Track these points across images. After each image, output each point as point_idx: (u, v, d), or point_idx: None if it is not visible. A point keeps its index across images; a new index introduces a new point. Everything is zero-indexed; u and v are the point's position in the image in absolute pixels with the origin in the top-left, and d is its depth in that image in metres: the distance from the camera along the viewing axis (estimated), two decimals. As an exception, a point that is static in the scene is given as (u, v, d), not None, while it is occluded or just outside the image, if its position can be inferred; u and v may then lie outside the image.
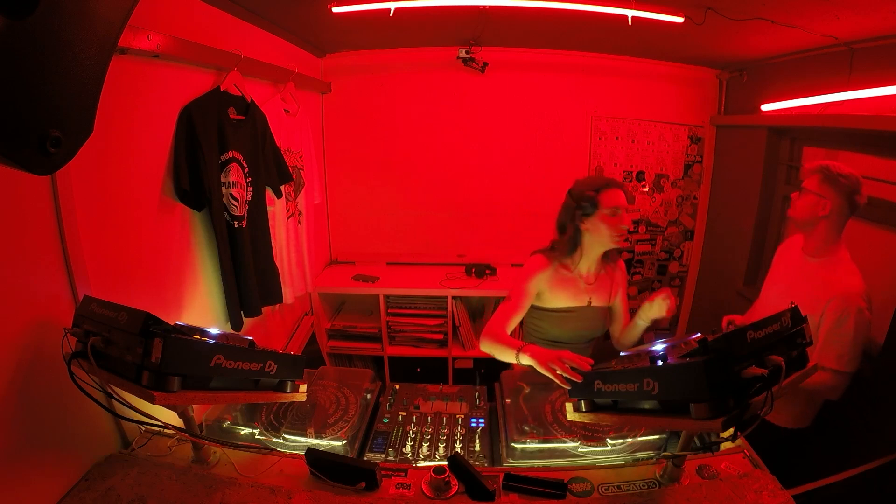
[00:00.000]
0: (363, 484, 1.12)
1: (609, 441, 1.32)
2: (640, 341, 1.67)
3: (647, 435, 1.33)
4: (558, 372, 1.19)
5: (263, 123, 1.90)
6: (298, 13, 2.08)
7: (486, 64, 2.82)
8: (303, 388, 1.27)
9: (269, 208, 2.00)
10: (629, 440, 1.33)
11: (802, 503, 1.16)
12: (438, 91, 2.97)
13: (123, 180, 1.31)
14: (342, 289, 2.97)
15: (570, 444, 1.32)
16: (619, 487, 1.14)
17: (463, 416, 1.50)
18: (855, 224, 2.09)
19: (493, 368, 1.72)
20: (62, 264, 1.10)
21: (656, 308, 1.53)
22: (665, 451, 1.24)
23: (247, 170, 1.78)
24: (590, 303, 1.65)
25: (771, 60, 2.54)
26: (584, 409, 1.14)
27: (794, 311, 0.99)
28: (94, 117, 0.71)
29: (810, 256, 1.59)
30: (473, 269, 2.99)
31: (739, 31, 2.04)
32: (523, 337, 1.75)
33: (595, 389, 1.09)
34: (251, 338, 1.17)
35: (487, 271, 2.99)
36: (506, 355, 1.41)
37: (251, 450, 1.26)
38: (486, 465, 1.32)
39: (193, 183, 1.53)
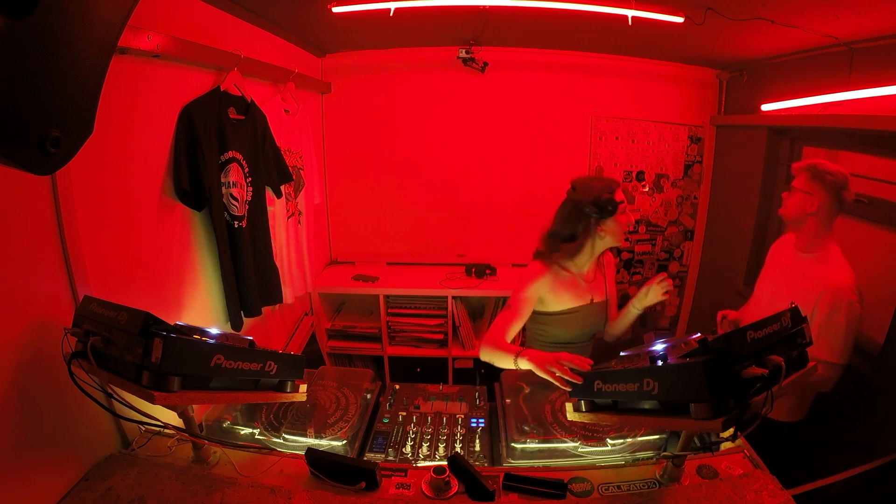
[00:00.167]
0: (363, 484, 1.12)
1: (609, 441, 1.32)
2: (632, 340, 1.68)
3: (647, 435, 1.33)
4: (557, 374, 1.19)
5: (263, 123, 1.90)
6: (298, 13, 2.08)
7: (486, 64, 2.82)
8: (303, 388, 1.27)
9: (269, 208, 2.00)
10: (629, 440, 1.33)
11: (802, 503, 1.16)
12: (438, 91, 2.97)
13: (123, 180, 1.31)
14: (342, 289, 2.97)
15: (570, 444, 1.32)
16: (619, 487, 1.14)
17: (463, 416, 1.50)
18: (855, 224, 2.11)
19: (493, 368, 1.71)
20: (62, 264, 1.10)
21: (651, 295, 1.57)
22: (665, 451, 1.24)
23: (247, 170, 1.78)
24: (591, 300, 1.66)
25: (771, 60, 2.54)
26: (584, 409, 1.14)
27: (794, 311, 0.99)
28: (94, 117, 0.71)
29: (802, 252, 1.64)
30: (473, 269, 2.99)
31: (739, 31, 2.04)
32: (527, 343, 1.74)
33: (595, 389, 1.09)
34: (251, 338, 1.16)
35: (487, 271, 2.99)
36: (504, 361, 1.40)
37: (251, 450, 1.26)
38: (486, 465, 1.32)
39: (193, 183, 1.53)
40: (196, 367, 0.99)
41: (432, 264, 3.17)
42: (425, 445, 1.38)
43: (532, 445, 1.32)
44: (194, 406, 1.18)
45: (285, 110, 2.21)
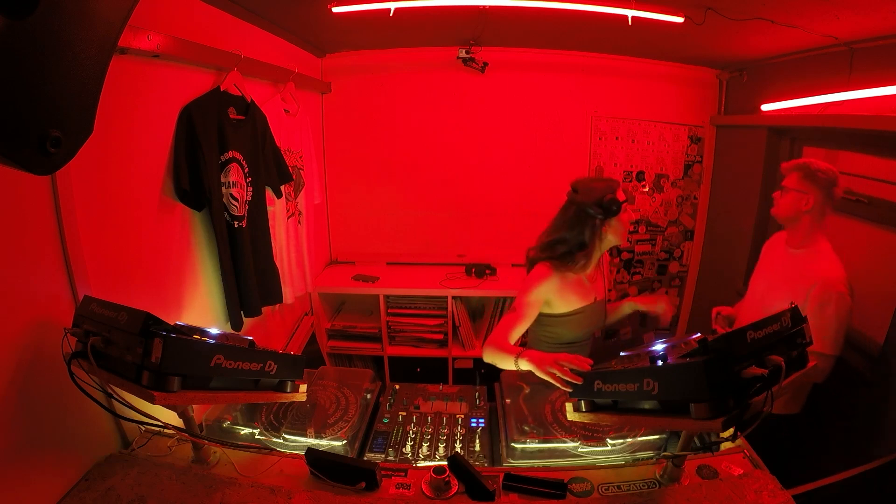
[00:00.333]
0: (363, 484, 1.12)
1: (609, 441, 1.32)
2: (632, 340, 1.69)
3: (647, 435, 1.33)
4: (558, 375, 1.19)
5: (263, 123, 1.90)
6: (298, 13, 2.08)
7: (486, 64, 2.82)
8: (303, 388, 1.27)
9: (269, 208, 2.00)
10: (629, 440, 1.33)
11: (802, 503, 1.16)
12: (438, 91, 2.97)
13: (123, 180, 1.31)
14: (342, 289, 2.97)
15: (570, 444, 1.32)
16: (619, 487, 1.14)
17: (463, 416, 1.50)
18: (855, 224, 2.11)
19: (493, 368, 1.71)
20: (62, 264, 1.10)
21: (658, 307, 1.66)
22: (665, 451, 1.24)
23: (247, 170, 1.78)
24: (595, 298, 1.66)
25: (771, 60, 2.54)
26: (584, 409, 1.14)
27: (794, 311, 0.99)
28: (94, 117, 0.71)
29: (794, 248, 1.69)
30: (473, 269, 2.99)
31: (739, 31, 2.04)
32: (531, 345, 1.74)
33: (595, 389, 1.09)
34: (251, 338, 1.17)
35: (487, 271, 2.99)
36: (505, 362, 1.40)
37: (251, 450, 1.26)
38: (486, 465, 1.32)
39: (193, 183, 1.53)
40: (196, 367, 0.99)
41: (432, 264, 3.17)
42: (425, 445, 1.38)
43: (532, 445, 1.32)
44: (194, 406, 1.18)
45: (285, 110, 2.21)
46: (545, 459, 1.29)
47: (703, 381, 0.84)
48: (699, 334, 0.96)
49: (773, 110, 2.52)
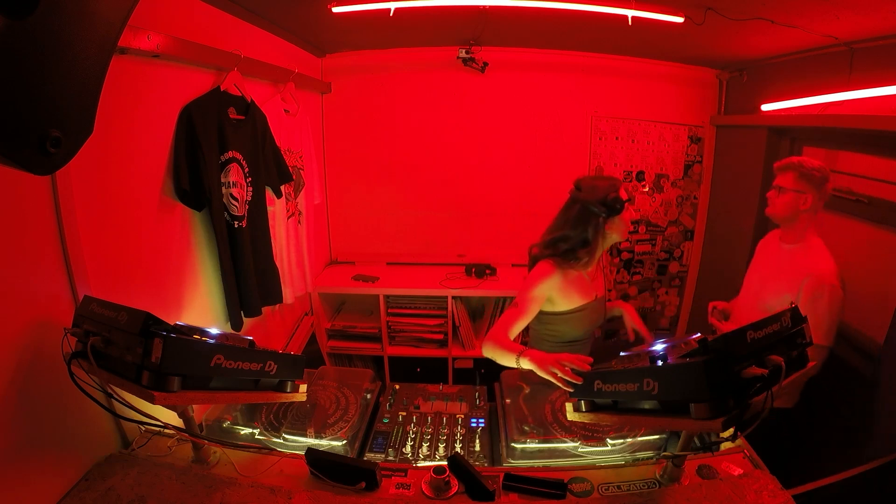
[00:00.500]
0: (363, 484, 1.12)
1: (609, 441, 1.32)
2: (625, 341, 1.72)
3: (647, 435, 1.33)
4: (559, 375, 1.19)
5: (263, 123, 1.90)
6: (298, 13, 2.08)
7: (486, 64, 2.82)
8: (303, 388, 1.27)
9: (269, 208, 2.00)
10: (629, 440, 1.33)
11: (802, 503, 1.16)
12: (438, 91, 2.97)
13: (123, 180, 1.31)
14: (342, 289, 2.97)
15: (570, 444, 1.32)
16: (619, 487, 1.14)
17: (463, 416, 1.50)
18: (855, 224, 2.11)
19: (493, 368, 1.71)
20: (62, 264, 1.10)
21: (628, 323, 1.73)
22: (665, 451, 1.24)
23: (247, 170, 1.78)
24: (595, 296, 1.66)
25: (771, 60, 2.54)
26: (584, 409, 1.14)
27: (794, 311, 0.99)
28: (94, 117, 0.71)
29: (787, 244, 1.75)
30: (473, 270, 2.99)
31: (739, 31, 2.04)
32: (533, 343, 1.74)
33: (595, 389, 1.09)
34: (251, 338, 1.17)
35: (487, 271, 2.99)
36: (506, 359, 1.40)
37: (251, 450, 1.27)
38: (486, 465, 1.32)
39: (193, 183, 1.53)
40: (196, 367, 0.99)
41: (432, 264, 3.17)
42: (425, 445, 1.38)
43: (532, 445, 1.32)
44: (194, 406, 1.18)
45: (285, 110, 2.21)
46: (545, 459, 1.29)
47: (703, 381, 0.84)
48: (699, 334, 0.96)
49: (773, 110, 2.52)
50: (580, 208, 1.55)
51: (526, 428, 1.38)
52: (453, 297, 2.81)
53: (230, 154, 1.69)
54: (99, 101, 0.70)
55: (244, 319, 1.85)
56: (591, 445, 1.32)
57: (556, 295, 1.59)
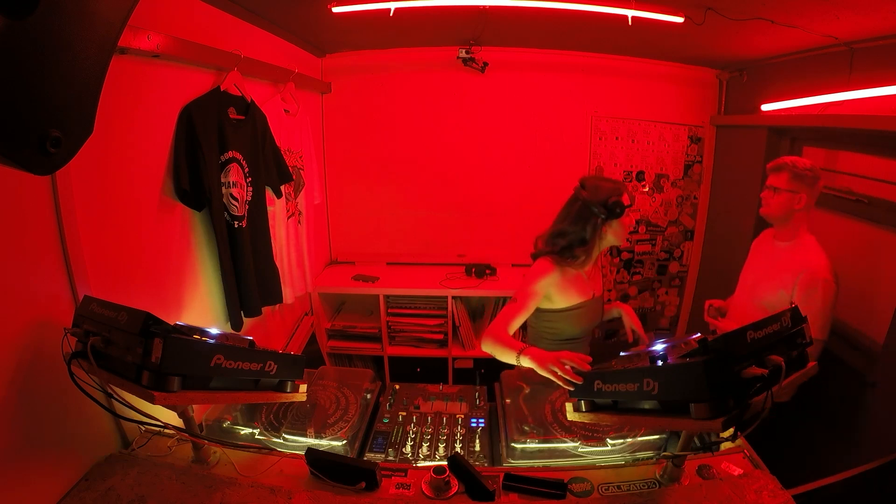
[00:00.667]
0: (363, 484, 1.12)
1: (609, 441, 1.32)
2: (625, 341, 1.72)
3: (647, 435, 1.33)
4: (559, 374, 1.19)
5: (263, 123, 1.90)
6: (298, 13, 2.08)
7: (486, 64, 2.82)
8: (303, 388, 1.27)
9: (269, 208, 2.00)
10: (629, 440, 1.33)
11: (802, 503, 1.16)
12: (438, 91, 2.97)
13: (123, 180, 1.31)
14: (342, 289, 2.97)
15: (570, 444, 1.32)
16: (619, 487, 1.14)
17: (463, 416, 1.50)
18: (855, 224, 2.11)
19: (493, 368, 1.72)
20: (62, 264, 1.10)
21: (627, 325, 1.73)
22: (665, 451, 1.24)
23: (247, 170, 1.78)
24: (593, 295, 1.67)
25: (771, 60, 2.54)
26: (584, 409, 1.14)
27: (794, 311, 0.99)
28: (94, 117, 0.71)
29: (781, 242, 1.79)
30: (473, 269, 2.99)
31: (739, 31, 2.04)
32: (531, 341, 1.75)
33: (595, 389, 1.09)
34: (251, 338, 1.17)
35: (487, 271, 2.99)
36: (506, 356, 1.41)
37: (251, 450, 1.26)
38: (486, 465, 1.32)
39: (193, 183, 1.53)
40: (196, 367, 0.99)
41: (432, 264, 3.17)
42: (425, 445, 1.38)
43: (532, 445, 1.32)
44: (194, 406, 1.18)
45: (285, 110, 2.21)
46: (545, 459, 1.29)
47: (703, 381, 0.84)
48: (699, 334, 0.96)
49: (773, 110, 2.51)
50: (581, 206, 1.56)
51: (526, 428, 1.38)
52: (453, 297, 2.81)
53: (230, 154, 1.69)
54: (99, 101, 0.70)
55: (244, 319, 1.85)
56: (591, 445, 1.32)
57: (554, 292, 1.60)
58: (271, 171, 1.99)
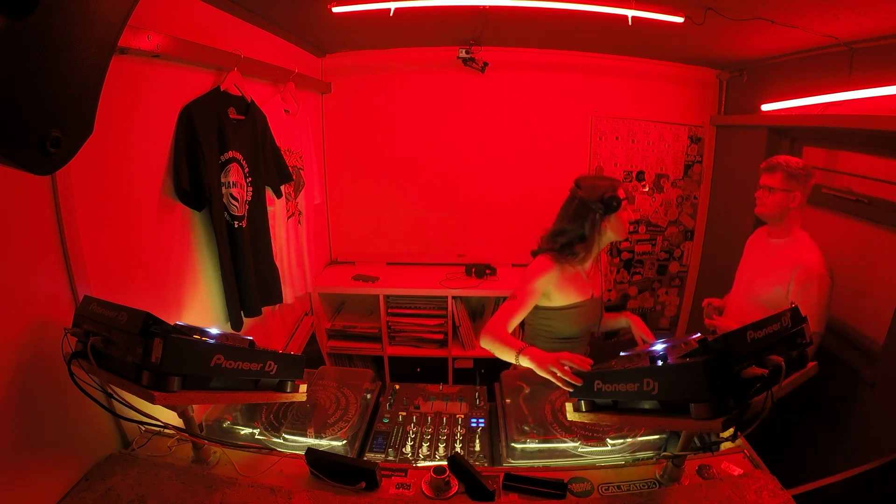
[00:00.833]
0: (363, 484, 1.12)
1: (609, 441, 1.32)
2: (632, 340, 1.71)
3: (647, 435, 1.33)
4: (559, 375, 1.19)
5: (263, 123, 1.90)
6: (298, 13, 2.08)
7: (486, 64, 2.82)
8: (303, 388, 1.27)
9: (269, 208, 2.00)
10: (629, 440, 1.33)
11: (802, 503, 1.16)
12: (438, 91, 2.97)
13: (123, 180, 1.31)
14: (342, 289, 2.97)
15: (570, 444, 1.32)
16: (619, 487, 1.14)
17: (463, 416, 1.50)
18: (855, 224, 2.11)
19: (493, 368, 1.72)
20: (62, 264, 1.10)
21: (636, 333, 1.73)
22: (665, 451, 1.24)
23: (247, 170, 1.78)
24: (592, 295, 1.67)
25: (771, 60, 2.54)
26: (584, 409, 1.14)
27: (794, 311, 0.99)
28: (94, 117, 0.71)
29: (776, 240, 1.83)
30: (473, 269, 2.99)
31: (739, 31, 2.04)
32: (529, 339, 1.75)
33: (595, 389, 1.09)
34: (251, 338, 1.17)
35: (487, 271, 2.99)
36: (505, 355, 1.41)
37: (251, 450, 1.26)
38: (486, 465, 1.32)
39: (193, 183, 1.53)
40: (196, 367, 0.99)
41: (432, 264, 3.17)
42: (425, 445, 1.38)
43: (532, 445, 1.32)
44: (194, 406, 1.18)
45: (285, 110, 2.21)
46: (545, 459, 1.29)
47: (703, 381, 0.84)
48: (699, 334, 0.96)
49: (773, 110, 2.51)
50: (578, 204, 1.58)
51: (526, 428, 1.38)
52: (453, 297, 2.81)
53: (230, 154, 1.69)
54: (99, 101, 0.70)
55: (244, 319, 1.85)
56: (591, 445, 1.32)
57: (552, 290, 1.60)
58: (271, 171, 1.99)
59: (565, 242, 1.59)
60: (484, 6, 1.88)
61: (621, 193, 1.56)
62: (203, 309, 1.71)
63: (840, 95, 1.97)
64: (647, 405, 1.00)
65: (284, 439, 1.36)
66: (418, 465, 1.29)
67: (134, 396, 0.97)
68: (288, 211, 2.24)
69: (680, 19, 1.86)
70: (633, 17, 1.81)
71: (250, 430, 1.40)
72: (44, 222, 1.06)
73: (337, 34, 2.54)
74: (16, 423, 0.98)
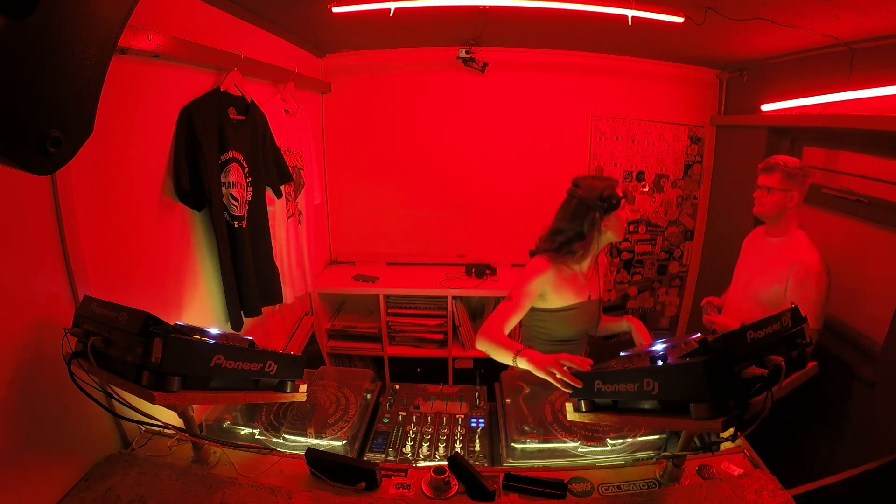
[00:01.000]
0: (363, 484, 1.12)
1: (609, 441, 1.32)
2: (631, 340, 1.71)
3: (647, 435, 1.33)
4: (558, 376, 1.19)
5: (263, 123, 1.90)
6: (298, 13, 2.08)
7: (486, 64, 2.82)
8: (303, 388, 1.27)
9: (269, 208, 2.00)
10: (629, 440, 1.33)
11: (802, 503, 1.16)
12: (438, 91, 2.97)
13: (123, 180, 1.31)
14: (342, 289, 2.97)
15: (570, 444, 1.32)
16: (619, 487, 1.14)
17: (463, 416, 1.50)
18: (855, 224, 2.11)
19: (493, 368, 1.72)
20: (62, 264, 1.10)
21: (636, 338, 1.70)
22: (665, 451, 1.24)
23: (247, 170, 1.78)
24: (589, 297, 1.66)
25: (771, 60, 2.54)
26: (584, 409, 1.14)
27: (794, 311, 0.99)
28: (94, 117, 0.71)
29: (774, 238, 1.85)
30: (473, 269, 2.99)
31: (739, 31, 2.04)
32: (525, 341, 1.74)
33: (595, 389, 1.09)
34: (251, 338, 1.16)
35: (487, 271, 2.99)
36: (502, 356, 1.40)
37: (251, 450, 1.26)
38: (486, 465, 1.32)
39: (193, 183, 1.53)
40: (196, 367, 0.99)
41: (432, 264, 3.17)
42: (425, 445, 1.38)
43: (532, 445, 1.32)
44: (194, 406, 1.18)
45: (285, 110, 2.21)
46: (545, 459, 1.29)
47: (703, 381, 0.84)
48: (699, 334, 0.96)
49: (773, 110, 2.51)
50: (577, 203, 1.57)
51: (526, 428, 1.38)
52: (453, 297, 2.81)
53: (230, 154, 1.69)
54: (99, 101, 0.70)
55: (244, 319, 1.85)
56: (591, 445, 1.32)
57: (548, 291, 1.59)
58: (271, 171, 1.99)
59: (563, 241, 1.58)
60: (484, 6, 1.88)
61: (620, 192, 1.56)
62: (203, 309, 1.71)
63: (840, 95, 1.97)
64: (647, 405, 1.00)
65: (284, 439, 1.36)
66: (418, 465, 1.29)
67: (134, 396, 0.97)
68: (288, 211, 2.24)
69: (680, 19, 1.86)
70: (633, 18, 1.81)
71: (250, 430, 1.40)
72: (44, 222, 1.06)
73: (337, 34, 2.54)
74: (16, 423, 0.98)
